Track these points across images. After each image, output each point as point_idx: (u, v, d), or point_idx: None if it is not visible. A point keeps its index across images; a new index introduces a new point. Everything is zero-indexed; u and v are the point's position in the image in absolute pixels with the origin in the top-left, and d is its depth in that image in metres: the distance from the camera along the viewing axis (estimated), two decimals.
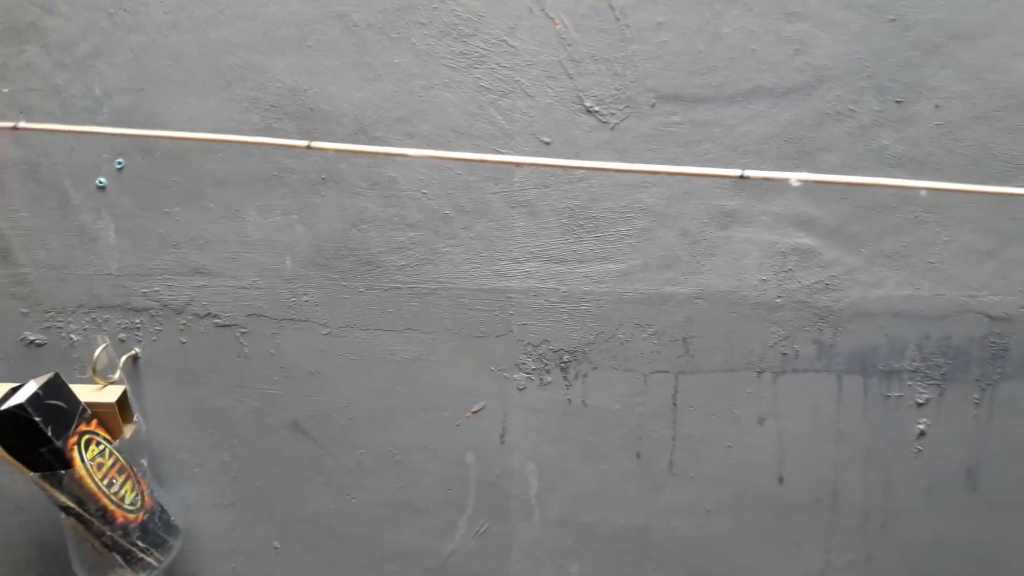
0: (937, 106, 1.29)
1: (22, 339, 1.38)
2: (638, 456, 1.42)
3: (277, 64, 1.28)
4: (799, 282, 1.36)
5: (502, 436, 1.41)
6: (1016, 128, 1.29)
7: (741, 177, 0.75)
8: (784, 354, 1.38)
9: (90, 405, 1.24)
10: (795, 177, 0.72)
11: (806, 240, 1.34)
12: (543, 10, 1.27)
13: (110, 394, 1.28)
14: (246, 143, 1.21)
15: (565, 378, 1.39)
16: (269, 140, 0.99)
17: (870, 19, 1.26)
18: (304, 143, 0.79)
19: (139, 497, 1.30)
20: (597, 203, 1.34)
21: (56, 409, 1.17)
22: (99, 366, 1.31)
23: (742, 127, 1.31)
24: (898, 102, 1.29)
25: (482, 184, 1.33)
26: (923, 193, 1.09)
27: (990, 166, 1.30)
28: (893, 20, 1.26)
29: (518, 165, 1.13)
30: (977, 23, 1.26)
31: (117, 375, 1.32)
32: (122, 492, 1.26)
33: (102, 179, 1.31)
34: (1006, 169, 1.30)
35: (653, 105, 1.30)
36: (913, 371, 1.40)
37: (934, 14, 1.26)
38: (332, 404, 1.39)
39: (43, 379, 1.16)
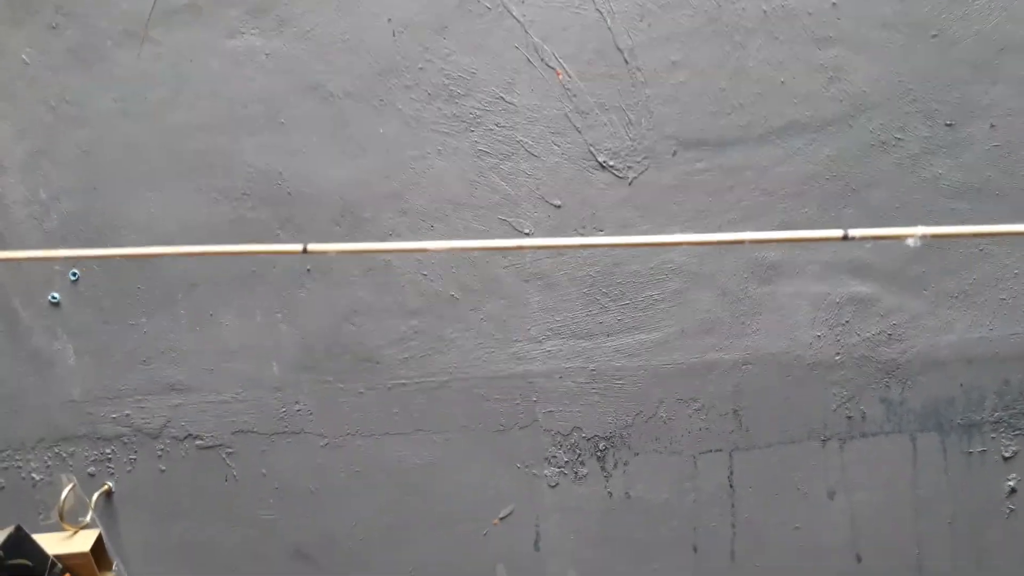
0: (992, 125, 1.22)
1: None
2: (695, 550, 1.31)
3: (246, 146, 1.20)
4: (858, 335, 1.27)
5: (536, 542, 1.31)
6: None
7: (844, 238, 0.66)
8: (849, 417, 1.29)
9: (60, 558, 1.14)
10: (916, 233, 0.64)
11: (862, 288, 1.26)
12: (543, 60, 1.19)
13: (82, 541, 1.18)
14: (223, 253, 1.12)
15: (603, 469, 1.29)
16: (252, 248, 0.90)
17: (910, 37, 1.20)
18: (299, 247, 0.71)
19: None
20: (620, 267, 1.25)
21: (20, 570, 1.07)
22: (67, 509, 1.21)
23: (778, 168, 1.23)
24: (949, 125, 1.22)
25: (489, 258, 1.24)
26: None
27: None
28: (936, 36, 1.20)
29: (522, 248, 1.04)
30: None
31: (88, 517, 1.22)
32: None
33: (55, 294, 1.22)
34: None
35: (674, 153, 1.22)
36: (995, 422, 1.31)
37: (980, 26, 1.20)
38: (337, 525, 1.29)
39: (3, 534, 1.07)
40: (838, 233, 0.73)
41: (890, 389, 1.29)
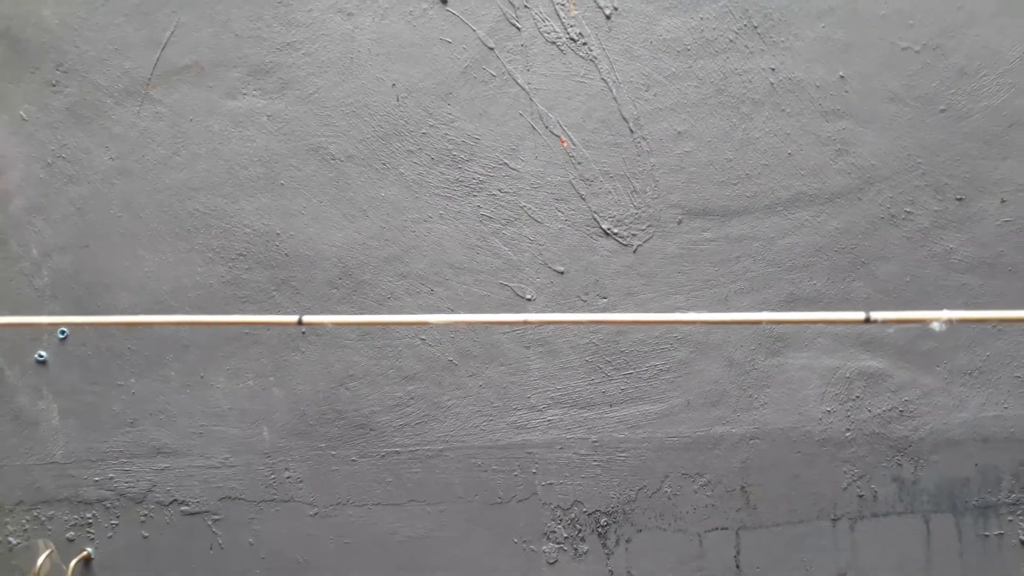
0: (1003, 200, 1.21)
1: None
2: None
3: (244, 207, 1.19)
4: (869, 411, 1.24)
5: None
6: None
7: (866, 321, 0.64)
8: (860, 496, 1.25)
9: None
10: (941, 318, 0.61)
11: (873, 362, 1.23)
12: (547, 128, 1.19)
13: None
14: (213, 323, 1.10)
15: (604, 545, 1.25)
16: (244, 319, 0.89)
17: (919, 111, 1.19)
18: (294, 318, 0.69)
19: None
20: (624, 336, 1.23)
21: None
22: (43, 575, 1.16)
23: (784, 239, 1.21)
24: (959, 199, 1.21)
25: (489, 324, 1.22)
26: None
27: None
28: (944, 111, 1.19)
29: (524, 324, 1.02)
30: None
31: None
32: None
33: (42, 352, 1.20)
34: None
35: (680, 222, 1.21)
36: (1013, 504, 1.26)
37: (989, 101, 1.19)
38: None
39: None
40: (860, 316, 0.70)
41: (902, 468, 1.25)
